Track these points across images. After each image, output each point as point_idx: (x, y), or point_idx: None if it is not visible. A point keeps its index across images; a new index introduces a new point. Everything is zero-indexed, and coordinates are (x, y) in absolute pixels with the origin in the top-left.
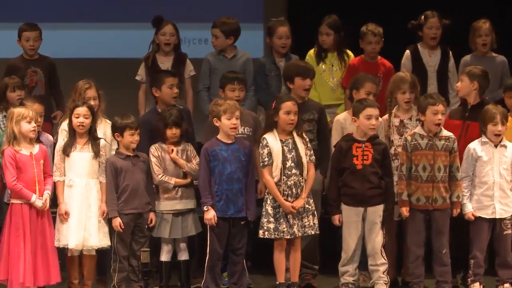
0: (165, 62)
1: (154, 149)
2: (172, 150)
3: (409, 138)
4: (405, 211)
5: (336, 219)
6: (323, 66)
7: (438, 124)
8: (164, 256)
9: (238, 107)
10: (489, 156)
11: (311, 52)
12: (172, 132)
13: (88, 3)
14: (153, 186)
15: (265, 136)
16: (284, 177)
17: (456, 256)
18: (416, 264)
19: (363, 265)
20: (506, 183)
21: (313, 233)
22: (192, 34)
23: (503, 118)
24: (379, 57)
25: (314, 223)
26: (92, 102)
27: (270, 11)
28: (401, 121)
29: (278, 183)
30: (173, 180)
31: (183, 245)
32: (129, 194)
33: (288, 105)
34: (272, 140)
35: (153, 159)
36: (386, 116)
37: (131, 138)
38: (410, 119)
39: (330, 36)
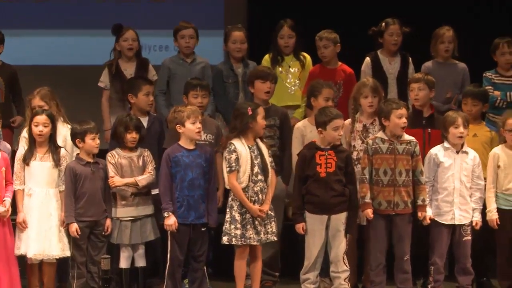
0: (128, 69)
1: (110, 156)
2: (113, 182)
3: (370, 142)
4: (369, 212)
5: (300, 227)
6: (280, 68)
7: (404, 127)
8: (123, 263)
9: (200, 112)
10: (450, 162)
11: (267, 57)
12: (132, 136)
13: (49, 10)
14: (111, 192)
15: (232, 141)
16: (251, 183)
17: (416, 263)
18: (377, 271)
19: (324, 271)
20: (466, 190)
21: (275, 239)
22: (153, 41)
23: (464, 122)
24: (340, 63)
25: (275, 230)
26: None
27: (231, 18)
28: (364, 126)
29: (245, 189)
30: (130, 189)
31: (140, 252)
32: (86, 201)
33: (262, 110)
34: (240, 146)
35: (110, 166)
36: (348, 121)
37: (93, 142)
38: (373, 123)
39: (292, 39)
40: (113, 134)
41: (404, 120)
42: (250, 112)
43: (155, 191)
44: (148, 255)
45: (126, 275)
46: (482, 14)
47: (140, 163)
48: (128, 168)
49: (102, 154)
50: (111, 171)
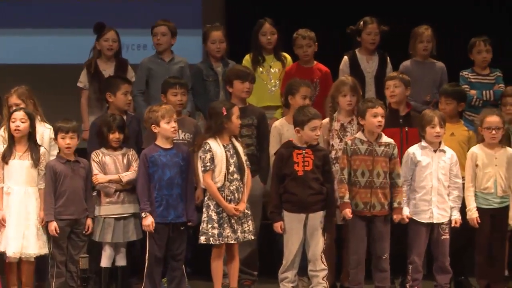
0: (107, 69)
1: (95, 155)
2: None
3: (349, 142)
4: (348, 212)
5: (278, 226)
6: (261, 68)
7: (380, 126)
8: (104, 262)
9: (174, 111)
10: (428, 160)
11: (247, 57)
12: (116, 137)
13: (28, 9)
14: (94, 191)
15: (207, 141)
16: (227, 182)
17: (395, 262)
18: (356, 270)
19: (302, 270)
20: (444, 189)
21: (252, 238)
22: (131, 40)
23: (441, 121)
24: (315, 62)
25: (252, 228)
26: None
27: (209, 17)
28: (342, 125)
29: (221, 188)
30: (113, 185)
31: (122, 251)
32: (66, 199)
33: (237, 109)
34: (215, 145)
35: (94, 164)
36: (326, 120)
37: (62, 141)
38: (350, 122)
39: (275, 35)
40: (97, 134)
41: (379, 119)
42: (224, 112)
43: None
44: (127, 254)
45: (106, 274)
46: (460, 13)
47: (125, 161)
48: (112, 166)
49: (81, 153)
50: (94, 169)
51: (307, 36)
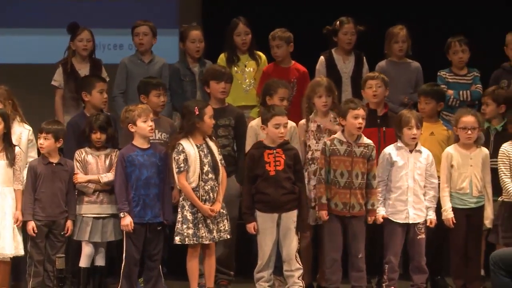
0: (82, 69)
1: (78, 153)
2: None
3: (328, 142)
4: (324, 214)
5: (251, 227)
6: (235, 68)
7: (360, 128)
8: (84, 262)
9: (150, 110)
10: (404, 161)
11: (222, 56)
12: (97, 137)
13: (2, 8)
14: (75, 192)
15: (180, 142)
16: (202, 182)
17: (371, 261)
18: (332, 269)
19: (278, 270)
20: (420, 189)
21: (228, 237)
22: (107, 39)
23: (418, 122)
24: (293, 62)
25: (228, 228)
26: None
27: (185, 17)
28: (318, 126)
29: (196, 188)
30: (92, 185)
31: (101, 251)
32: (44, 201)
33: (210, 109)
34: (188, 146)
35: (76, 163)
36: (303, 121)
37: (38, 141)
38: (328, 122)
39: (249, 35)
40: (80, 133)
41: (360, 120)
42: (196, 112)
43: None
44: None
45: (84, 275)
46: (435, 12)
47: (107, 162)
48: (94, 166)
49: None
50: (76, 168)
51: (277, 36)
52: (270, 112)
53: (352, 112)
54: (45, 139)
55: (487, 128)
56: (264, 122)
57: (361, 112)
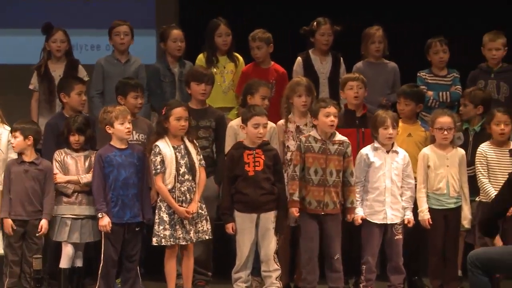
0: (57, 70)
1: (57, 154)
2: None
3: (303, 139)
4: (294, 211)
5: (229, 227)
6: (215, 69)
7: (332, 126)
8: (64, 263)
9: (128, 112)
10: (381, 161)
11: (201, 56)
12: (75, 139)
13: None
14: (53, 192)
15: (157, 143)
16: (178, 183)
17: (348, 262)
18: (308, 269)
19: (256, 270)
20: (397, 189)
21: (207, 238)
22: (85, 40)
23: (393, 122)
24: (272, 62)
25: (207, 228)
26: None
27: (162, 17)
28: (297, 127)
29: (172, 189)
30: (71, 186)
31: (79, 251)
32: (15, 200)
33: (178, 111)
34: (164, 147)
35: (55, 163)
36: (282, 121)
37: (13, 140)
38: (306, 125)
39: (230, 36)
40: (61, 134)
41: (332, 118)
42: (163, 112)
43: None
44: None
45: (65, 276)
46: (411, 13)
47: (86, 164)
48: (73, 167)
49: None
50: (55, 168)
51: (257, 38)
52: (250, 112)
53: (323, 111)
54: (15, 137)
55: (466, 129)
56: (244, 121)
57: (332, 110)
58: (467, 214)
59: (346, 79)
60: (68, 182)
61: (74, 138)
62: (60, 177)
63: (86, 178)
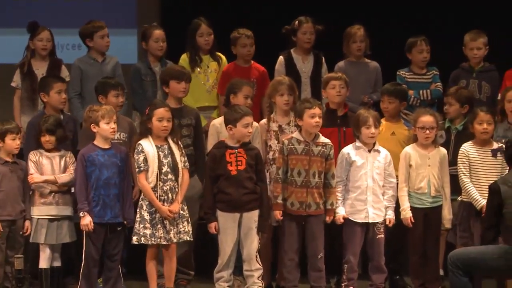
0: (40, 68)
1: (32, 154)
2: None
3: (286, 141)
4: (278, 214)
5: (212, 227)
6: (198, 68)
7: (317, 126)
8: (43, 263)
9: (114, 111)
10: (362, 160)
11: (184, 56)
12: (46, 139)
13: None
14: (30, 193)
15: (140, 142)
16: (160, 182)
17: (330, 261)
18: (290, 269)
19: (238, 270)
20: (379, 188)
21: (188, 239)
22: (66, 39)
23: (376, 121)
24: (252, 61)
25: (189, 229)
26: None
27: (143, 17)
28: (280, 126)
29: (154, 188)
30: (49, 186)
31: (56, 251)
32: (3, 200)
33: (160, 111)
34: (148, 145)
35: (30, 164)
36: (264, 121)
37: (13, 142)
38: (289, 124)
39: (211, 36)
40: (33, 136)
41: (316, 119)
42: (146, 112)
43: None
44: (62, 254)
45: (46, 276)
46: (393, 12)
47: (62, 164)
48: (49, 167)
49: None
50: (31, 168)
51: (250, 35)
52: (239, 112)
53: (308, 112)
54: (15, 139)
55: (448, 127)
56: (232, 122)
57: (317, 111)
58: (447, 214)
59: (328, 78)
60: (45, 182)
61: (45, 139)
62: (37, 177)
63: (63, 178)
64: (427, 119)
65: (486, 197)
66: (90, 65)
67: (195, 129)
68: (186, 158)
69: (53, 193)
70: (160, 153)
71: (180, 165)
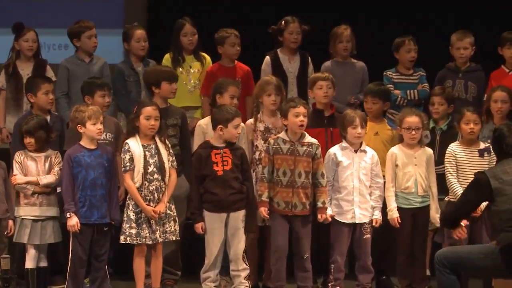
0: (25, 69)
1: (17, 155)
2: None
3: (271, 141)
4: (263, 211)
5: (199, 227)
6: (180, 68)
7: (302, 126)
8: (29, 264)
9: (101, 112)
10: (349, 161)
11: (167, 56)
12: (27, 141)
13: None
14: (14, 192)
15: (127, 141)
16: (146, 182)
17: (317, 261)
18: (277, 268)
19: (224, 270)
20: (366, 188)
21: (174, 239)
22: (52, 39)
23: (362, 121)
24: (236, 61)
25: (175, 229)
26: None
27: (130, 17)
28: (266, 127)
29: (140, 188)
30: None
31: (42, 252)
32: None
33: (148, 110)
34: (134, 145)
35: (15, 164)
36: (251, 121)
37: None
38: (275, 124)
39: (195, 36)
40: (19, 137)
41: (301, 118)
42: (134, 110)
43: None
44: (49, 254)
45: (32, 276)
46: (379, 12)
47: (47, 164)
48: (34, 168)
49: (2, 153)
50: (15, 169)
51: (238, 35)
52: (230, 112)
53: (293, 111)
54: None
55: (433, 128)
56: (224, 122)
57: (301, 110)
58: (434, 213)
59: (315, 78)
60: (28, 183)
61: (26, 140)
62: (19, 178)
63: (46, 179)
64: (413, 119)
65: None
66: (77, 65)
67: (181, 129)
68: (174, 158)
69: (36, 194)
70: (146, 152)
71: (167, 165)
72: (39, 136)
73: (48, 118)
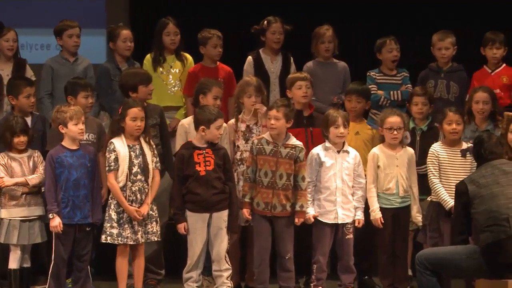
0: (5, 69)
1: (0, 157)
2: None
3: (255, 141)
4: (246, 213)
5: (181, 227)
6: (161, 68)
7: (273, 128)
8: (13, 264)
9: (82, 112)
10: (332, 161)
11: (148, 56)
12: (20, 140)
13: None
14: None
15: (112, 140)
16: (130, 182)
17: (299, 261)
18: (260, 269)
19: (207, 270)
20: (348, 189)
21: (156, 239)
22: (34, 39)
23: (345, 121)
24: (218, 62)
25: (157, 230)
26: None
27: (113, 17)
28: (248, 126)
29: (123, 188)
30: (20, 188)
31: (26, 252)
32: None
33: (134, 111)
34: (120, 145)
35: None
36: (232, 121)
37: None
38: (256, 124)
39: (178, 36)
40: (0, 138)
41: (272, 121)
42: (119, 111)
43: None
44: (32, 254)
45: (15, 276)
46: (361, 13)
47: (31, 164)
48: (19, 169)
49: None
50: (0, 172)
51: (221, 36)
52: (213, 113)
53: (268, 113)
54: None
55: (413, 128)
56: (206, 123)
57: (273, 112)
58: (415, 214)
59: (294, 78)
60: (16, 184)
61: (19, 139)
62: (7, 180)
63: (34, 179)
64: (394, 119)
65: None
66: (61, 64)
67: (160, 127)
68: (157, 159)
69: (24, 195)
70: (131, 153)
71: (151, 166)
72: (29, 135)
73: (30, 118)
